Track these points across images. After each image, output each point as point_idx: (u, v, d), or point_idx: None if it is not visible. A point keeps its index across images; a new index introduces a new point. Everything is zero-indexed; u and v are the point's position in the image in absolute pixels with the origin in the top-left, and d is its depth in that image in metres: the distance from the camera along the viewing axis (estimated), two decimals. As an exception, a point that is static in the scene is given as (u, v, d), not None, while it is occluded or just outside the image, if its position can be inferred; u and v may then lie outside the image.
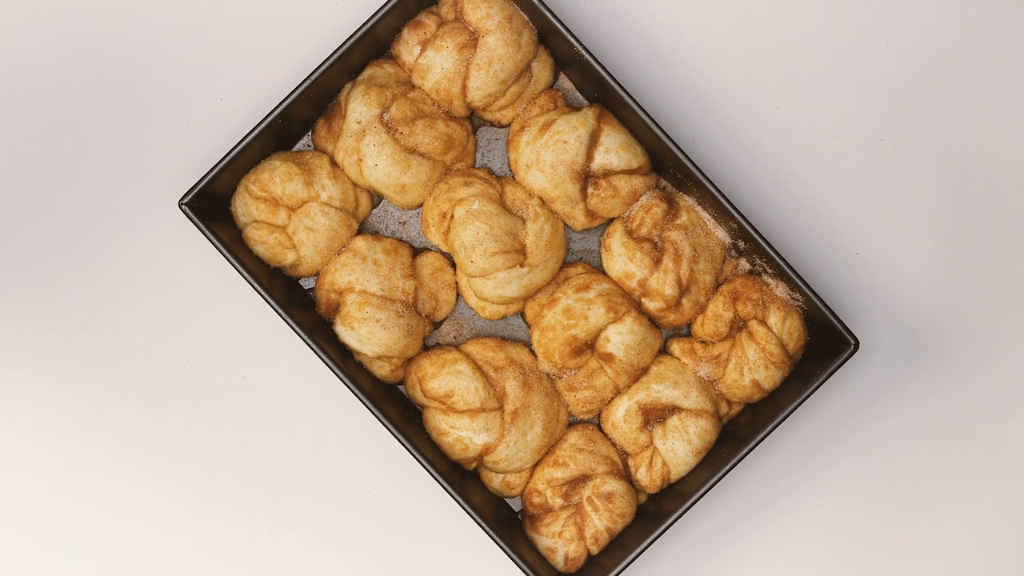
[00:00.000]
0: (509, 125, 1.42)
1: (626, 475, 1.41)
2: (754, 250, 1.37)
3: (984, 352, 1.47)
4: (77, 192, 1.44)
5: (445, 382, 1.36)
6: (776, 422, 1.34)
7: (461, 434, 1.37)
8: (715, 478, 1.35)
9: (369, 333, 1.36)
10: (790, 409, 1.35)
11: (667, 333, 1.43)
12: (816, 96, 1.47)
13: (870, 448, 1.47)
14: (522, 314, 1.42)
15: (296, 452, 1.45)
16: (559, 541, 1.39)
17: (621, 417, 1.39)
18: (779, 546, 1.47)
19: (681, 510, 1.35)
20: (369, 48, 1.38)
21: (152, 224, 1.44)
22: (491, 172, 1.42)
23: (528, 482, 1.41)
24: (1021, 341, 1.48)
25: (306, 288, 1.42)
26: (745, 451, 1.35)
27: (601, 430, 1.42)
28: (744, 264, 1.41)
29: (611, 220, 1.41)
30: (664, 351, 1.42)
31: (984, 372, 1.48)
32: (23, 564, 1.45)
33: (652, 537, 1.34)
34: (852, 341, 1.34)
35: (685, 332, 1.43)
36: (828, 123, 1.47)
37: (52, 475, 1.45)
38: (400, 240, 1.42)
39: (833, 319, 1.35)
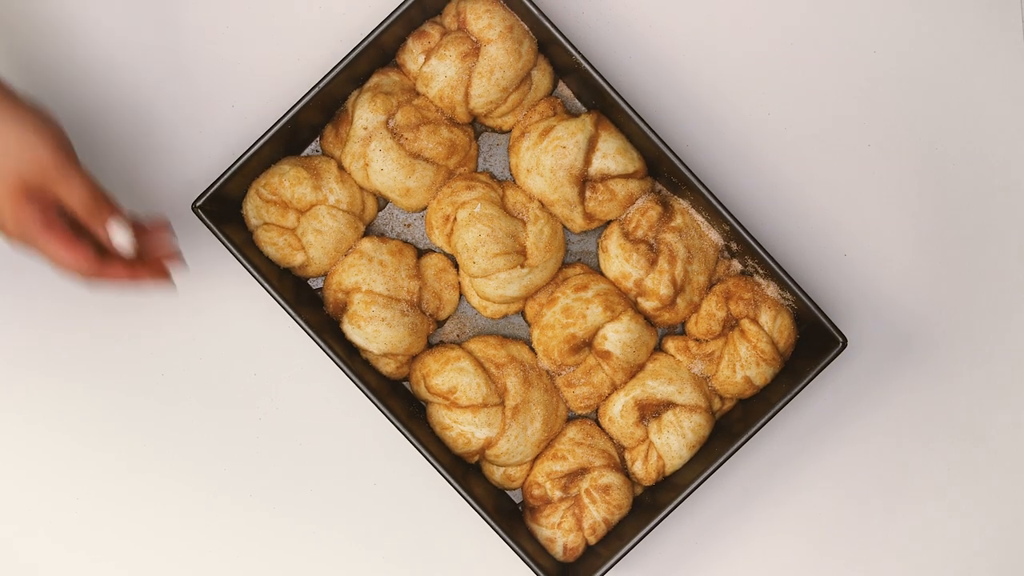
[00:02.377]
0: (510, 131, 1.43)
1: (623, 468, 1.42)
2: (746, 251, 1.39)
3: (968, 349, 1.49)
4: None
5: (448, 378, 1.38)
6: (767, 417, 1.36)
7: (464, 428, 1.38)
8: (708, 471, 1.36)
9: (375, 331, 1.38)
10: (780, 404, 1.36)
11: (662, 331, 1.45)
12: (806, 103, 1.49)
13: (858, 442, 1.49)
14: (522, 313, 1.44)
15: (305, 446, 1.47)
16: (558, 532, 1.40)
17: (618, 412, 1.41)
18: (770, 537, 1.48)
19: (676, 502, 1.36)
20: (375, 57, 1.40)
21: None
22: (493, 176, 1.44)
23: (528, 475, 1.42)
24: (1004, 338, 1.49)
25: (314, 288, 1.44)
26: (737, 445, 1.36)
27: (599, 425, 1.43)
28: (736, 265, 1.43)
29: (608, 223, 1.43)
30: (659, 349, 1.44)
31: (969, 368, 1.49)
32: (41, 554, 1.46)
33: (648, 528, 1.36)
34: (840, 339, 1.36)
35: (680, 330, 1.45)
36: (817, 129, 1.48)
37: (69, 469, 1.46)
38: (405, 242, 1.43)
39: (822, 318, 1.36)
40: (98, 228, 1.22)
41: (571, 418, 1.45)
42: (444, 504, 1.47)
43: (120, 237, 1.22)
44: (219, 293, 1.46)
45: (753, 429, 1.36)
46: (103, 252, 1.23)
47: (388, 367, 1.41)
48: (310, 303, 1.41)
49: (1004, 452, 1.49)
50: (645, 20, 1.48)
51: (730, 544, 1.49)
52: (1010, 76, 1.49)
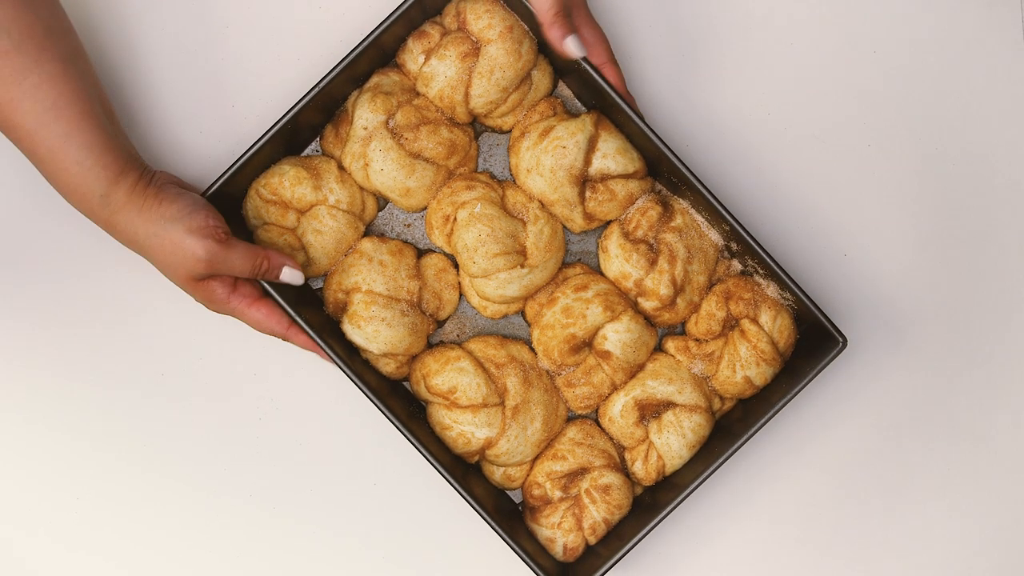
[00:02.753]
0: (510, 131, 1.43)
1: (623, 468, 1.43)
2: (746, 251, 1.39)
3: (968, 349, 1.49)
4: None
5: (448, 378, 1.38)
6: (767, 417, 1.36)
7: (464, 428, 1.38)
8: (708, 471, 1.36)
9: (375, 331, 1.38)
10: (780, 404, 1.36)
11: (662, 331, 1.45)
12: (806, 103, 1.49)
13: (858, 442, 1.49)
14: (522, 313, 1.44)
15: (305, 446, 1.47)
16: (558, 532, 1.40)
17: (618, 412, 1.41)
18: (770, 537, 1.49)
19: (676, 502, 1.36)
20: (375, 57, 1.40)
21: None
22: (493, 176, 1.44)
23: (528, 475, 1.42)
24: (1004, 338, 1.50)
25: (314, 288, 1.44)
26: (737, 445, 1.36)
27: (599, 425, 1.44)
28: (736, 265, 1.43)
29: (608, 223, 1.43)
30: (659, 349, 1.44)
31: (969, 368, 1.49)
32: (41, 554, 1.46)
33: (648, 528, 1.36)
34: (840, 339, 1.35)
35: (680, 331, 1.45)
36: (817, 129, 1.49)
37: (69, 469, 1.46)
38: (405, 242, 1.43)
39: (822, 317, 1.36)
40: (273, 280, 1.35)
41: (571, 418, 1.45)
42: (444, 504, 1.47)
43: (290, 277, 1.34)
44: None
45: (753, 429, 1.36)
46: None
47: (388, 367, 1.41)
48: (310, 303, 1.41)
49: (1004, 452, 1.49)
50: (644, 20, 1.48)
51: (730, 544, 1.49)
52: (1010, 76, 1.50)
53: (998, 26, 1.49)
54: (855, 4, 1.49)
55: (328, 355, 1.36)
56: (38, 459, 1.46)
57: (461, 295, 1.44)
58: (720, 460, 1.36)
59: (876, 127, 1.49)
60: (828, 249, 1.48)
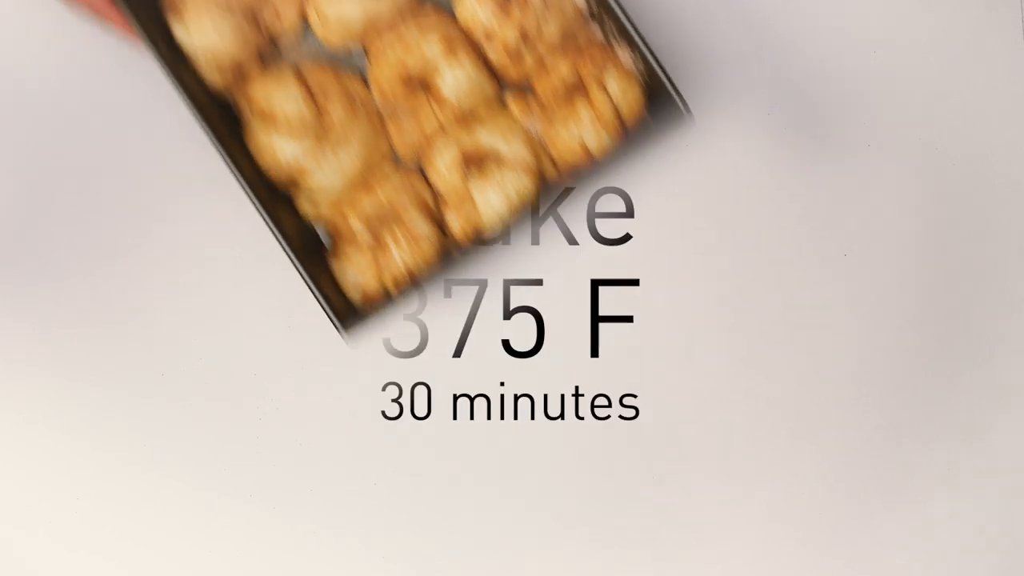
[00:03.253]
0: None
1: (439, 222, 1.39)
2: (605, 11, 1.35)
3: (968, 349, 1.49)
4: (96, 190, 1.46)
5: (269, 93, 1.36)
6: (591, 174, 1.33)
7: (277, 147, 1.36)
8: (525, 223, 1.35)
9: (201, 30, 1.34)
10: (609, 162, 1.33)
11: (508, 90, 1.42)
12: (806, 102, 1.49)
13: (857, 441, 1.47)
14: (365, 51, 1.41)
15: (305, 446, 1.47)
16: (359, 276, 1.37)
17: (442, 161, 1.38)
18: (768, 536, 1.48)
19: (479, 244, 1.34)
20: None
21: (166, 227, 1.45)
22: None
23: (340, 212, 1.39)
24: (1004, 338, 1.49)
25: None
26: (555, 199, 1.35)
27: (423, 173, 1.40)
28: (598, 33, 1.39)
29: None
30: (502, 106, 1.41)
31: (969, 368, 1.49)
32: (41, 554, 1.47)
33: (447, 272, 1.34)
34: (684, 109, 1.31)
35: (526, 91, 1.42)
36: (817, 129, 1.49)
37: (69, 469, 1.46)
38: None
39: (668, 84, 1.32)
40: None
41: (396, 163, 1.41)
42: (444, 504, 1.47)
43: None
44: (219, 294, 1.46)
45: (572, 184, 1.34)
46: None
47: (214, 76, 1.38)
48: (145, 8, 1.37)
49: (1004, 452, 1.49)
50: None
51: (728, 544, 1.48)
52: (1010, 76, 1.50)
53: (998, 26, 1.50)
54: (855, 4, 1.49)
55: (144, 39, 1.33)
56: (38, 459, 1.46)
57: (305, 21, 1.41)
58: (540, 213, 1.36)
59: (876, 127, 1.49)
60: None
